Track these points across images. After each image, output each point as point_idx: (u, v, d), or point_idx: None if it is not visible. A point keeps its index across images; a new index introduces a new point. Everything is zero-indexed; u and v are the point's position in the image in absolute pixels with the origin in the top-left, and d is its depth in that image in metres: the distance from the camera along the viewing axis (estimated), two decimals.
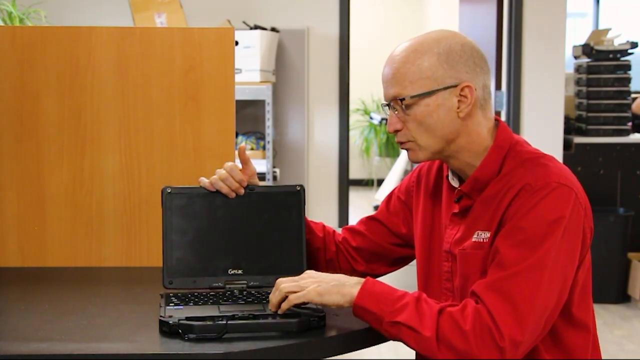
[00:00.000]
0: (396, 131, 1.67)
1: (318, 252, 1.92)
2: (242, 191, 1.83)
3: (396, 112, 1.66)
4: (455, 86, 1.62)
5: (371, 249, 1.91)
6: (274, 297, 1.59)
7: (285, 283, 1.60)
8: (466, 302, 1.52)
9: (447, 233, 1.72)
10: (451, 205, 1.73)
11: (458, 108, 1.63)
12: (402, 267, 1.96)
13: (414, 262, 1.88)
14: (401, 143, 1.69)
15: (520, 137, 1.72)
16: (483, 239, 1.62)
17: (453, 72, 1.62)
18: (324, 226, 1.95)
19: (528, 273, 1.51)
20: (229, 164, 1.83)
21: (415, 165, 1.89)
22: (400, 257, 1.93)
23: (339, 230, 1.97)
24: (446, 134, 1.64)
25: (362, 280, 1.59)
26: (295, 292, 1.58)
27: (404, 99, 1.63)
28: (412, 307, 1.52)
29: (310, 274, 1.63)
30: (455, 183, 1.73)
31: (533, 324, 1.49)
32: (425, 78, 1.62)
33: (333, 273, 1.91)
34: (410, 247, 1.89)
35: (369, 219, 1.94)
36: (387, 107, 1.69)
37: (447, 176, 1.75)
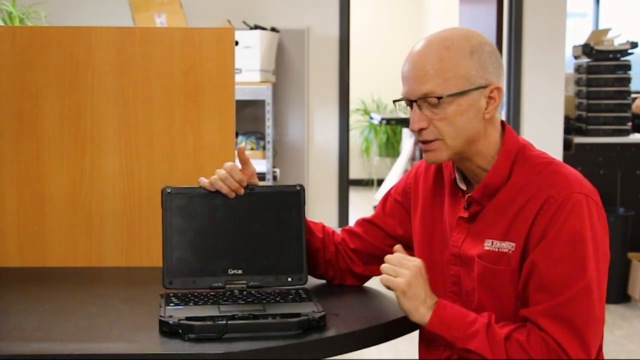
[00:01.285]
0: (421, 130, 1.63)
1: (317, 253, 1.91)
2: (242, 191, 1.83)
3: (421, 110, 1.62)
4: (485, 87, 1.61)
5: (368, 251, 1.91)
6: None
7: (389, 262, 1.65)
8: (529, 329, 1.53)
9: (454, 237, 1.71)
10: (455, 208, 1.72)
11: (485, 109, 1.62)
12: None
13: None
14: (425, 142, 1.64)
15: (526, 141, 1.71)
16: (500, 249, 1.61)
17: (483, 72, 1.60)
18: (323, 226, 1.95)
19: (583, 296, 1.53)
20: (229, 164, 1.83)
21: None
22: None
23: (339, 231, 1.97)
24: (471, 135, 1.63)
25: (434, 302, 1.61)
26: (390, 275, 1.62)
27: (440, 97, 1.58)
28: (482, 335, 1.54)
29: (413, 265, 1.63)
30: (462, 186, 1.72)
31: (594, 341, 1.53)
32: (459, 77, 1.59)
33: (332, 273, 1.92)
34: (407, 248, 1.88)
35: (366, 221, 1.93)
36: (409, 105, 1.65)
37: (455, 179, 1.73)
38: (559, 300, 1.52)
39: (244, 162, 1.86)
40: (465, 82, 1.59)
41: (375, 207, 1.96)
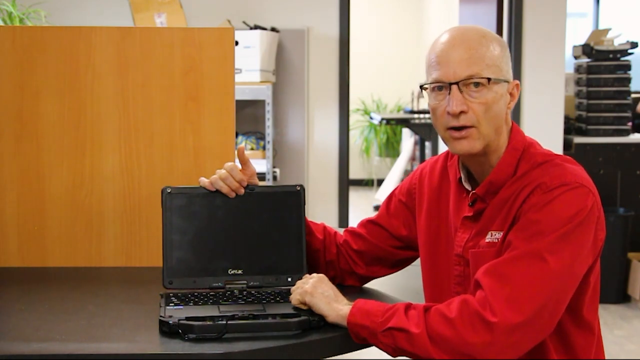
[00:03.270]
0: (461, 112, 1.61)
1: (318, 254, 1.91)
2: (242, 191, 1.83)
3: (462, 93, 1.61)
4: (510, 82, 1.65)
5: (372, 252, 1.90)
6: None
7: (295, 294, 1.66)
8: (454, 298, 1.53)
9: (459, 237, 1.71)
10: (460, 208, 1.72)
11: (509, 104, 1.65)
12: (402, 268, 1.95)
13: (418, 263, 1.87)
14: (460, 129, 1.62)
15: (533, 139, 1.72)
16: (496, 238, 1.62)
17: (508, 68, 1.66)
18: (324, 227, 1.94)
19: (530, 259, 1.49)
20: (229, 164, 1.83)
21: (416, 166, 1.89)
22: (401, 259, 1.92)
23: (341, 232, 1.97)
24: (498, 127, 1.64)
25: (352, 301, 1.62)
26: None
27: (489, 79, 1.59)
28: (401, 312, 1.53)
29: (314, 275, 1.68)
30: (467, 185, 1.72)
31: (531, 312, 1.46)
32: (496, 65, 1.62)
33: (333, 274, 1.92)
34: (411, 249, 1.88)
35: (369, 222, 1.92)
36: (444, 88, 1.62)
37: (460, 178, 1.73)
38: (505, 258, 1.51)
39: (244, 162, 1.86)
40: (500, 72, 1.63)
41: (375, 208, 1.96)
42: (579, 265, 1.54)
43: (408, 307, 1.54)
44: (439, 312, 1.50)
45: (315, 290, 1.62)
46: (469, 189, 1.71)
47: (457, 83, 1.60)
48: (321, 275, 1.68)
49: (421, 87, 1.68)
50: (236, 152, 1.89)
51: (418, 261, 1.87)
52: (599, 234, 1.58)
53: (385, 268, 1.93)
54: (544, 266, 1.49)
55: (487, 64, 1.61)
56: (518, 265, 1.49)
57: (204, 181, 1.83)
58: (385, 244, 1.89)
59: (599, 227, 1.58)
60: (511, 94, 1.66)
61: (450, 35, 1.64)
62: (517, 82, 1.66)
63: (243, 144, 4.63)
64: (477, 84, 1.60)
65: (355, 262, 1.91)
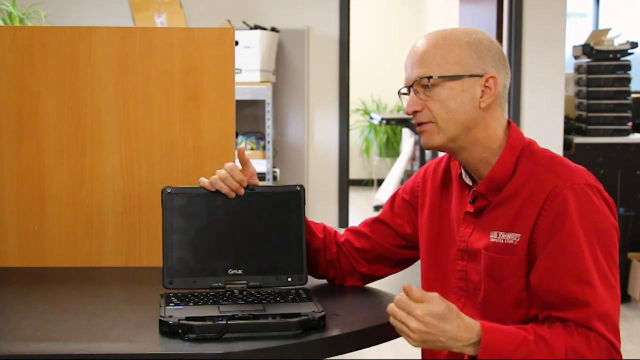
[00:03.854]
0: (415, 112, 1.68)
1: (318, 253, 1.91)
2: (242, 191, 1.83)
3: (417, 94, 1.67)
4: (481, 76, 1.65)
5: (375, 251, 1.91)
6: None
7: (396, 315, 1.51)
8: (587, 334, 1.52)
9: (461, 232, 1.71)
10: (462, 204, 1.73)
11: (481, 98, 1.65)
12: (405, 268, 1.96)
13: (418, 262, 1.87)
14: (419, 125, 1.69)
15: (531, 139, 1.73)
16: (505, 240, 1.62)
17: (480, 63, 1.65)
18: (324, 227, 1.95)
19: (610, 292, 1.54)
20: (229, 164, 1.84)
21: (417, 167, 1.89)
22: (404, 258, 1.92)
23: (341, 231, 1.97)
24: (466, 121, 1.65)
25: (475, 337, 1.50)
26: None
27: (430, 77, 1.64)
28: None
29: (427, 317, 1.48)
30: (468, 181, 1.73)
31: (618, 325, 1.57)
32: (452, 63, 1.64)
33: (334, 274, 1.91)
34: (414, 248, 1.89)
35: (374, 221, 1.93)
36: (406, 93, 1.71)
37: (460, 174, 1.75)
38: (591, 308, 1.53)
39: (244, 162, 1.86)
40: (459, 68, 1.64)
41: (375, 208, 1.97)
42: (614, 260, 1.60)
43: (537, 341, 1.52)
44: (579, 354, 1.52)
45: (425, 344, 1.50)
46: (469, 184, 1.72)
47: (410, 86, 1.68)
48: (424, 312, 1.48)
49: (399, 93, 1.75)
50: (236, 153, 1.89)
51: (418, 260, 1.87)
52: (615, 225, 1.63)
53: (387, 267, 1.93)
54: (614, 291, 1.57)
55: (439, 64, 1.64)
56: (607, 306, 1.55)
57: (204, 181, 1.84)
58: (389, 243, 1.90)
59: (614, 218, 1.63)
60: (487, 87, 1.65)
61: (415, 43, 1.72)
62: (492, 74, 1.65)
63: (243, 145, 4.63)
64: (427, 84, 1.65)
65: (357, 260, 1.91)
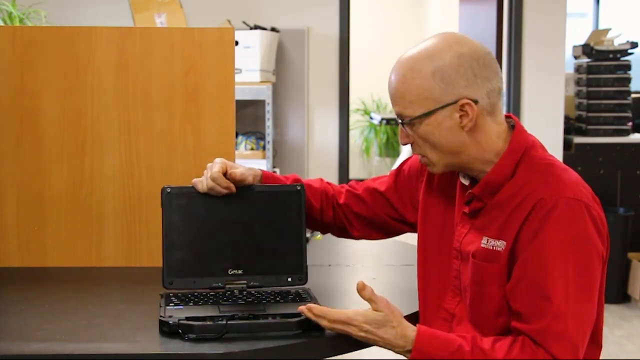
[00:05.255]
0: (409, 143, 1.69)
1: (314, 220, 1.95)
2: (234, 189, 1.83)
3: (405, 127, 1.66)
4: (455, 102, 1.60)
5: (371, 218, 1.94)
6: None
7: (335, 328, 1.58)
8: (535, 350, 1.51)
9: (458, 231, 1.71)
10: (461, 203, 1.72)
11: (461, 123, 1.61)
12: (396, 236, 2.00)
13: (415, 262, 1.87)
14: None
15: (536, 140, 1.70)
16: (494, 247, 1.61)
17: (450, 89, 1.60)
18: (321, 192, 1.96)
19: (575, 311, 1.52)
20: (214, 173, 1.82)
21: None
22: (397, 230, 1.97)
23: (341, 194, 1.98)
24: (453, 148, 1.64)
25: (410, 345, 1.56)
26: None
27: (406, 119, 1.64)
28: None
29: (365, 325, 1.58)
30: (465, 181, 1.72)
31: (584, 346, 1.55)
32: (423, 99, 1.61)
33: (326, 231, 2.01)
34: (409, 225, 1.92)
35: (376, 190, 1.94)
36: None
37: (459, 173, 1.74)
38: (553, 318, 1.51)
39: (236, 183, 1.84)
40: (430, 102, 1.61)
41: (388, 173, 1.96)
42: (594, 279, 1.57)
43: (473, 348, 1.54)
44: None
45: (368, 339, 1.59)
46: (466, 184, 1.72)
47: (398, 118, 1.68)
48: (357, 319, 1.58)
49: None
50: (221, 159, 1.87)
51: (415, 260, 1.87)
52: (603, 243, 1.60)
53: (380, 234, 1.98)
54: (583, 307, 1.55)
55: (411, 101, 1.62)
56: (569, 322, 1.53)
57: (197, 185, 1.84)
58: (386, 215, 1.93)
59: (602, 238, 1.60)
60: (463, 111, 1.60)
61: (398, 58, 1.68)
62: (466, 99, 1.59)
63: (243, 145, 4.63)
64: (408, 122, 1.64)
65: (351, 224, 1.95)
